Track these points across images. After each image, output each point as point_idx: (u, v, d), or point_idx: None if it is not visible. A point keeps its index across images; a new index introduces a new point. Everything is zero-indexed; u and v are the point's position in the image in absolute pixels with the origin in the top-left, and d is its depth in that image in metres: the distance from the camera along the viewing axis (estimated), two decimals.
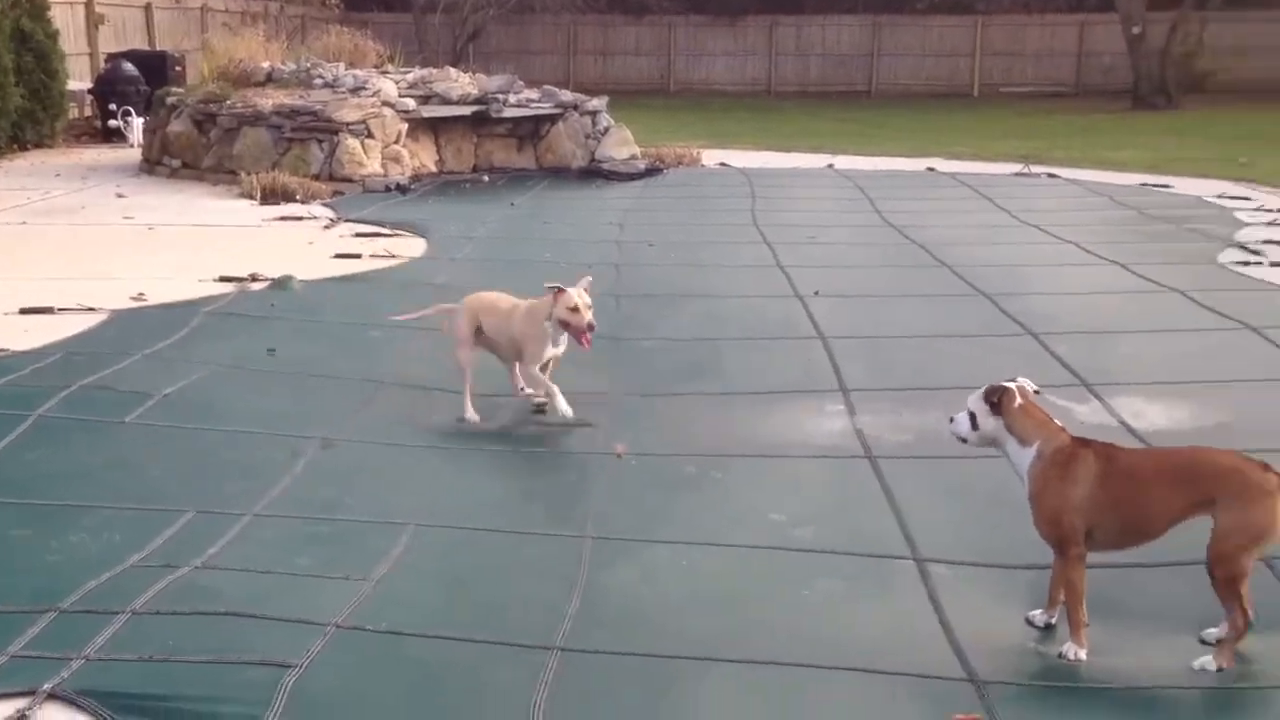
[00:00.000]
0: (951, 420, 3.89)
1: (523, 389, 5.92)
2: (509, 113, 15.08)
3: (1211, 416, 5.75)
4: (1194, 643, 3.72)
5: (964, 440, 3.87)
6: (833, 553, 4.36)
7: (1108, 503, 3.63)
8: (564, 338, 5.65)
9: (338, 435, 5.52)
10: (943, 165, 16.10)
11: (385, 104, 14.18)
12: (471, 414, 5.77)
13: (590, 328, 5.45)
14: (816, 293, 8.38)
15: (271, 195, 12.51)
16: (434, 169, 14.76)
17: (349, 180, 13.40)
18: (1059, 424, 3.80)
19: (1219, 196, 12.89)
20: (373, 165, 13.76)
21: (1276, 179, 14.22)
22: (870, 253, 10.13)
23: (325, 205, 12.27)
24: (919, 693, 3.48)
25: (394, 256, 9.65)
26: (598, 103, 15.73)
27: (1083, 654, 3.63)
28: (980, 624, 3.85)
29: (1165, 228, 11.09)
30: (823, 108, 27.38)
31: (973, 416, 3.82)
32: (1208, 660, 3.57)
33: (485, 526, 4.55)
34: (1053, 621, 3.82)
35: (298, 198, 12.46)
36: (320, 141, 13.69)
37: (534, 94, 15.61)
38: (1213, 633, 3.66)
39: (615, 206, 12.53)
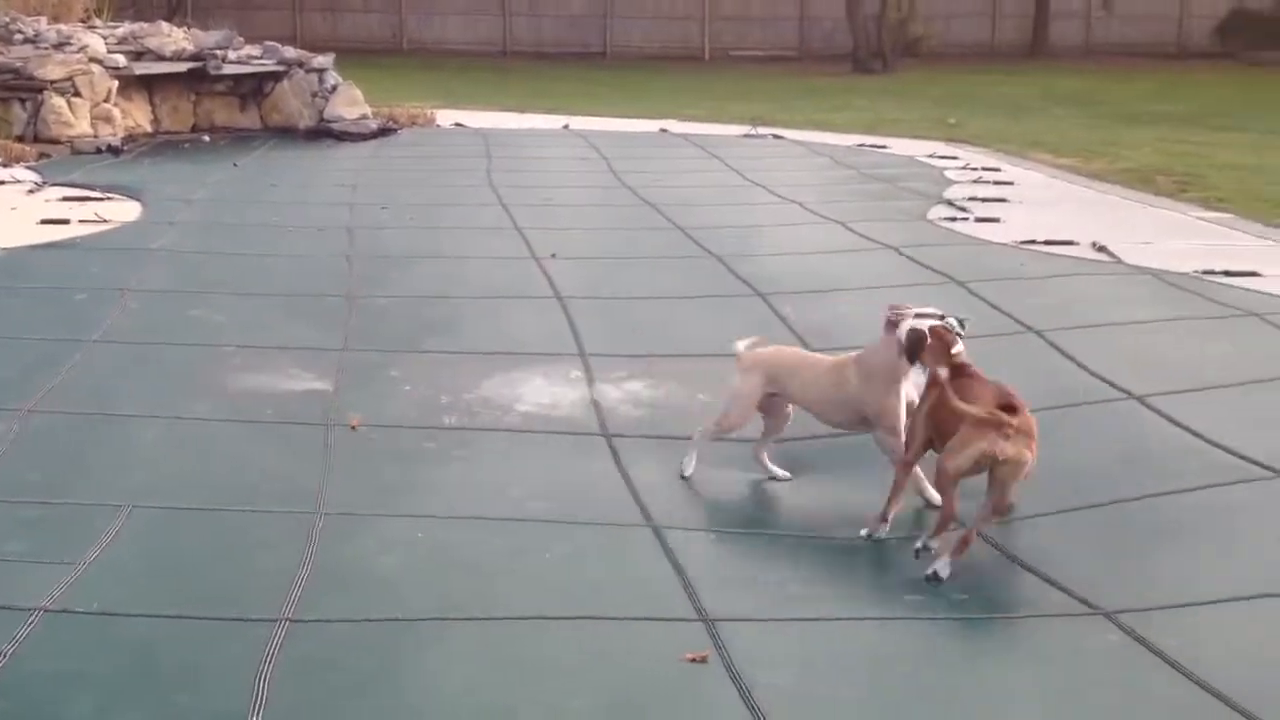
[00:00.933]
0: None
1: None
2: (229, 70, 14.46)
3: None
4: (912, 580, 3.96)
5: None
6: (570, 522, 4.39)
7: (932, 418, 4.13)
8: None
9: (48, 408, 5.20)
10: (676, 127, 16.39)
11: (93, 60, 13.36)
12: (691, 467, 4.79)
13: None
14: (554, 255, 8.41)
15: None
16: (149, 129, 14.04)
17: (56, 142, 12.57)
18: (961, 360, 4.15)
19: (930, 156, 13.59)
20: (82, 126, 12.97)
21: (982, 139, 15.11)
22: (606, 214, 10.22)
23: (30, 169, 11.48)
24: (652, 635, 3.58)
25: (106, 221, 9.13)
26: (324, 60, 15.26)
27: (881, 530, 4.20)
28: (713, 576, 3.98)
29: (881, 186, 11.62)
30: (558, 69, 27.41)
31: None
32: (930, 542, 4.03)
33: (208, 505, 4.37)
34: (930, 545, 4.08)
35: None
36: (23, 101, 12.80)
37: (255, 50, 15.02)
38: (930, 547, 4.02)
39: (346, 167, 12.21)
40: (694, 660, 3.40)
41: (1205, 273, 7.86)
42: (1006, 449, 3.90)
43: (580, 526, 4.36)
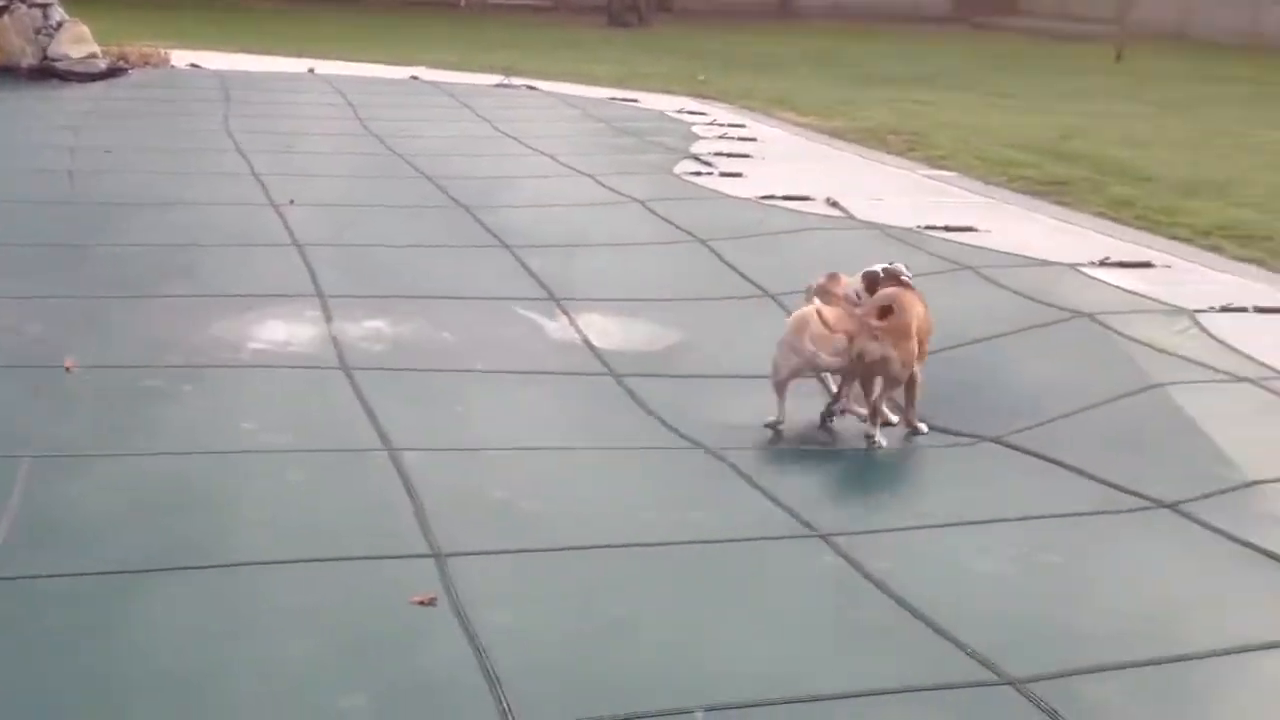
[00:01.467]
0: None
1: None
2: None
3: (666, 336, 6.10)
4: (646, 502, 4.06)
5: None
6: (304, 451, 4.34)
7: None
8: None
9: None
10: (427, 74, 16.10)
11: None
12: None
13: None
14: (292, 201, 8.18)
15: None
16: None
17: None
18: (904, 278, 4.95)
19: (679, 111, 13.79)
20: None
21: (730, 96, 15.44)
22: (350, 162, 10.00)
23: None
24: (383, 575, 3.57)
25: None
26: None
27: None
28: (448, 503, 3.99)
29: (631, 140, 11.75)
30: (305, 11, 26.45)
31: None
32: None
33: None
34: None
35: None
36: None
37: None
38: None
39: (71, 110, 11.53)
40: (422, 603, 3.41)
41: (927, 228, 8.29)
42: (873, 349, 4.67)
43: (316, 454, 4.31)
